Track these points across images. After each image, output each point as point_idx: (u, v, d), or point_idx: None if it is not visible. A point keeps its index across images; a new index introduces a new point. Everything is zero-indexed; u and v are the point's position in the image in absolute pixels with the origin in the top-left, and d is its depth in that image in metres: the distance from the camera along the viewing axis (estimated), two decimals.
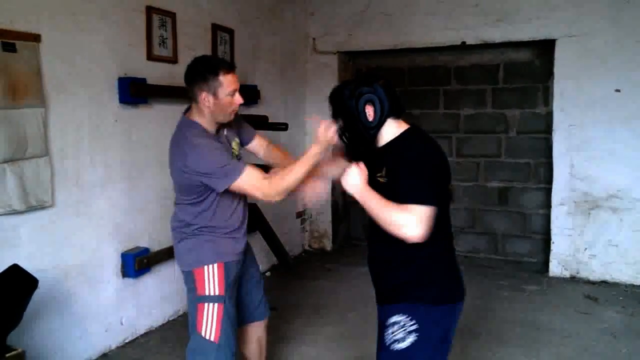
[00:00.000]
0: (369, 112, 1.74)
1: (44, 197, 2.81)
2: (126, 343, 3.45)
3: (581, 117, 4.72)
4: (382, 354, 1.87)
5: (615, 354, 3.36)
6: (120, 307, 3.40)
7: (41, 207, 2.81)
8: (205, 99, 2.15)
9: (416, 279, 1.82)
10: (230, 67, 2.19)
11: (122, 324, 3.42)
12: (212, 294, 2.23)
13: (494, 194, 5.44)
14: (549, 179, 5.00)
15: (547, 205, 5.01)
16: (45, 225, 2.86)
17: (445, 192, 1.81)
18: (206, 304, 2.23)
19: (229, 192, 2.19)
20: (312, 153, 2.07)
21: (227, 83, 2.14)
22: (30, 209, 2.74)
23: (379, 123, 1.77)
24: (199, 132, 2.20)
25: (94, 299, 3.21)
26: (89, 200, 3.14)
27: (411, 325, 1.77)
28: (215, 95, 2.14)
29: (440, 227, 1.79)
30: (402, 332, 1.77)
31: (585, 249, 4.80)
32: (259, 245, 4.62)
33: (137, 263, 3.38)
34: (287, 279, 4.85)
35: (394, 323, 1.79)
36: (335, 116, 1.84)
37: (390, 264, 1.87)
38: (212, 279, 2.23)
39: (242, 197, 2.33)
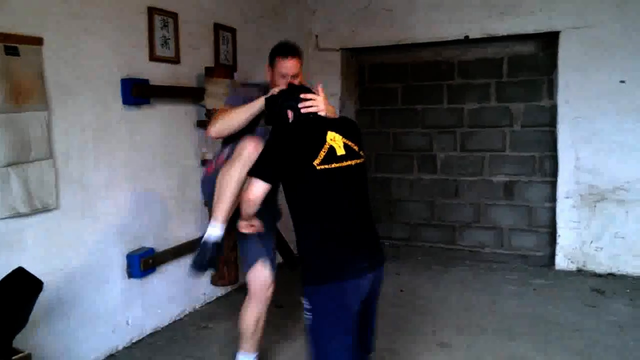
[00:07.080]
0: (290, 115, 2.24)
1: (49, 199, 2.82)
2: (133, 343, 3.46)
3: (586, 109, 4.70)
4: None
5: (622, 346, 3.34)
6: (127, 307, 3.42)
7: (46, 209, 2.82)
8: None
9: (305, 263, 2.09)
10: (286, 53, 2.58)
11: (128, 324, 3.44)
12: None
13: (499, 188, 5.42)
14: (554, 172, 4.97)
15: (553, 198, 4.99)
16: (50, 227, 2.87)
17: (316, 172, 2.01)
18: None
19: None
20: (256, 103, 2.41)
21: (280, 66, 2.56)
22: (35, 211, 2.75)
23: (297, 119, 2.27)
24: None
25: (100, 300, 3.22)
26: (94, 201, 3.15)
27: (308, 305, 2.05)
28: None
29: (312, 210, 2.04)
30: (306, 312, 2.05)
31: (592, 241, 4.78)
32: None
33: (142, 263, 3.39)
34: (292, 277, 4.84)
35: (303, 304, 2.08)
36: (269, 114, 2.34)
37: (299, 249, 2.15)
38: None
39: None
